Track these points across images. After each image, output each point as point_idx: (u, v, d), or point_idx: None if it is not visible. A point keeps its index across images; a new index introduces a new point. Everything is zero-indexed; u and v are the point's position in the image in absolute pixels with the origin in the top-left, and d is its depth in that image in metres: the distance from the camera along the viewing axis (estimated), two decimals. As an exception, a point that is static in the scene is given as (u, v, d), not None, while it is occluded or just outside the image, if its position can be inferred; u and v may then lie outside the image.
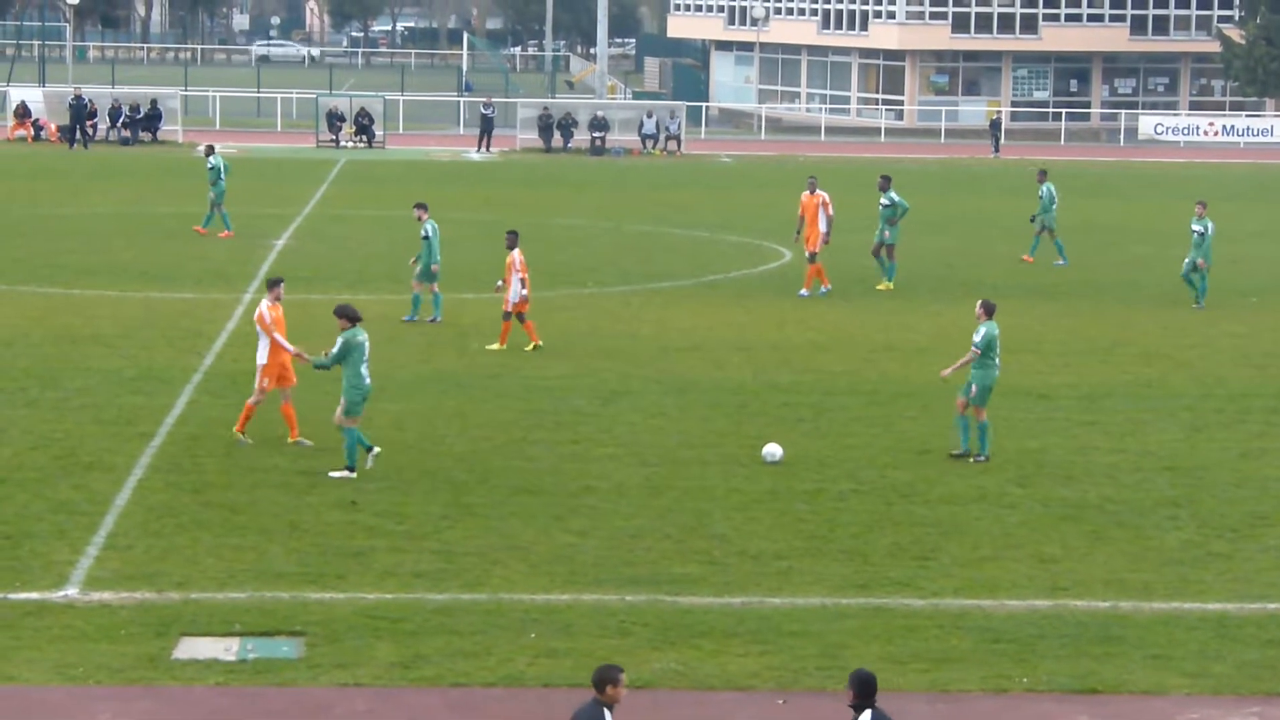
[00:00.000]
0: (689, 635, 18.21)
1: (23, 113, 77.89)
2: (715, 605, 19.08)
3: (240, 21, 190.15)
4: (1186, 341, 35.07)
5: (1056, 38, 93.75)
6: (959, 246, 48.76)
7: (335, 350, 23.81)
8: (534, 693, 16.84)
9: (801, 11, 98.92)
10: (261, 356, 25.13)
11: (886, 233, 40.80)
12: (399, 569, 20.03)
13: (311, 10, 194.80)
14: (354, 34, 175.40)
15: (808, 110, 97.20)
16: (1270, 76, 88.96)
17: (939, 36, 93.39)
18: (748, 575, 20.11)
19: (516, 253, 32.04)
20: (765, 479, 24.05)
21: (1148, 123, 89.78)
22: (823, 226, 39.30)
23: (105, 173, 64.79)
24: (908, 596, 19.53)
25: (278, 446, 24.94)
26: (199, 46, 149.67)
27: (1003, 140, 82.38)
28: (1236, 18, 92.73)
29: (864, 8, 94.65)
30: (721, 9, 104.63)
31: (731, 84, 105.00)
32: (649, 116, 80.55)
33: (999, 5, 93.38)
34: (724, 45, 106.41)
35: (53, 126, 77.25)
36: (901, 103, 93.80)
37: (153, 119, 77.82)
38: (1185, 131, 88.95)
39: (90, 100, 76.51)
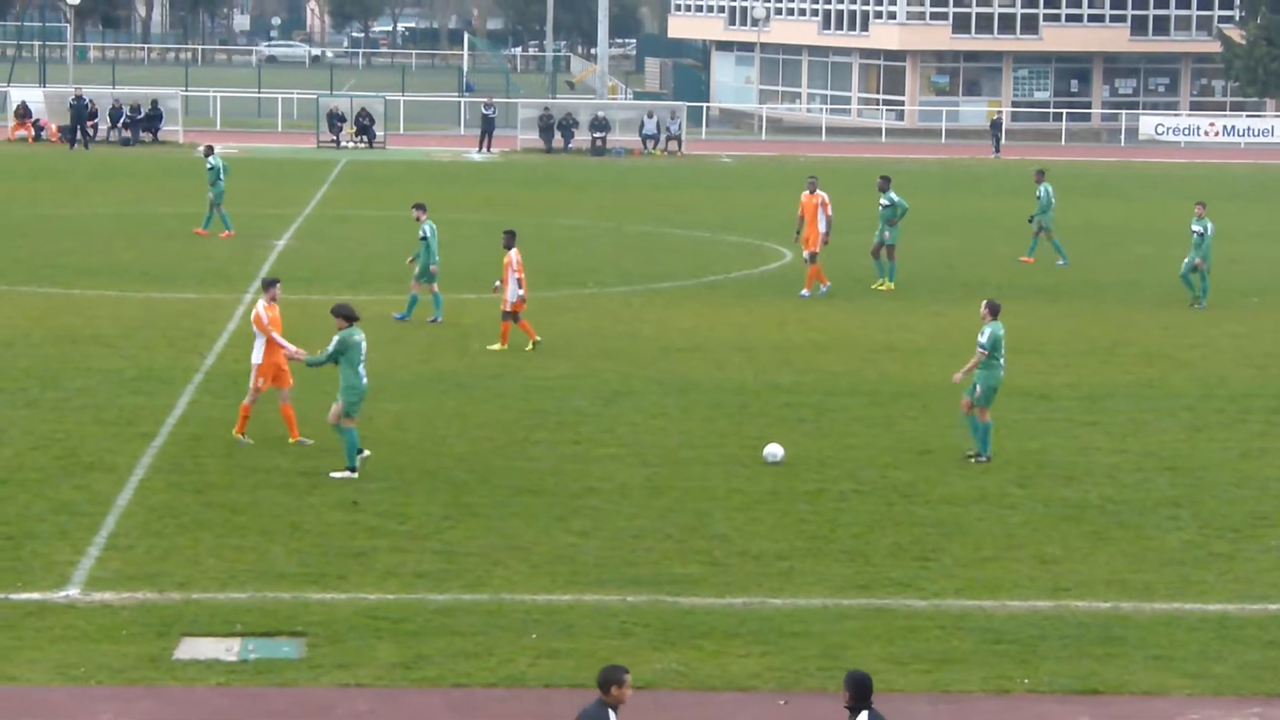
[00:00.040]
0: (690, 636, 18.21)
1: (23, 113, 77.91)
2: (716, 606, 19.09)
3: (241, 22, 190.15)
4: (1187, 342, 35.07)
5: (1057, 38, 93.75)
6: (960, 247, 48.76)
7: (330, 348, 23.82)
8: (535, 693, 16.84)
9: (802, 12, 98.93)
10: (256, 356, 25.16)
11: (886, 233, 40.80)
12: (400, 569, 20.03)
13: (312, 11, 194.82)
14: (355, 34, 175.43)
15: (808, 111, 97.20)
16: (1271, 77, 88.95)
17: (940, 37, 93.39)
18: (749, 576, 20.11)
19: (514, 252, 32.05)
20: (766, 479, 24.05)
21: (1148, 123, 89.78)
22: (822, 227, 39.32)
23: (106, 173, 64.80)
24: (909, 597, 19.52)
25: (279, 447, 24.94)
26: (200, 47, 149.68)
27: (1003, 140, 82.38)
28: (1237, 18, 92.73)
29: (864, 8, 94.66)
30: (722, 9, 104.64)
31: (732, 84, 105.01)
32: (650, 117, 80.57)
33: (999, 5, 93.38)
34: (725, 45, 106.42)
35: (53, 127, 77.27)
36: (902, 103, 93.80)
37: (153, 119, 77.83)
38: (1186, 132, 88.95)
39: (91, 100, 76.53)
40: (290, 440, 25.12)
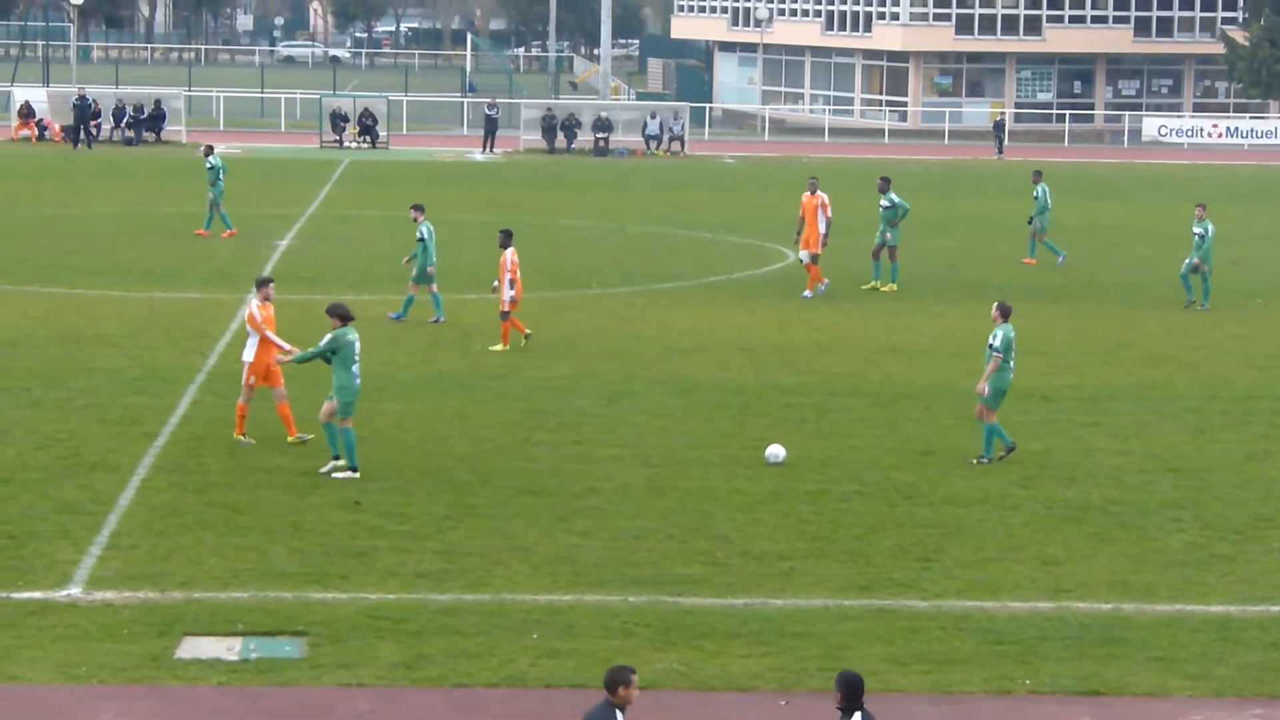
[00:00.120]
0: (691, 636, 18.21)
1: (27, 113, 77.96)
2: (718, 606, 19.09)
3: (244, 22, 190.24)
4: (1190, 343, 35.05)
5: (1060, 39, 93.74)
6: (962, 248, 48.76)
7: (321, 344, 23.83)
8: (536, 693, 16.85)
9: (805, 13, 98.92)
10: (248, 355, 25.20)
11: (888, 234, 40.80)
12: (402, 569, 20.04)
13: (315, 11, 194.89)
14: (358, 34, 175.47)
15: (811, 111, 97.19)
16: (1274, 78, 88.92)
17: (943, 38, 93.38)
18: (750, 576, 20.11)
19: (509, 252, 32.08)
20: (768, 480, 24.05)
21: (1151, 124, 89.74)
22: (821, 228, 39.33)
23: (109, 173, 64.83)
24: (910, 598, 19.52)
25: (280, 447, 24.94)
26: (203, 47, 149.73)
27: (1006, 142, 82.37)
28: (1240, 19, 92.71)
29: (868, 9, 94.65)
30: (725, 10, 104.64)
31: (735, 85, 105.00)
32: (652, 117, 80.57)
33: (1003, 6, 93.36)
34: (728, 46, 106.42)
35: (57, 127, 77.32)
36: (905, 104, 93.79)
37: (156, 119, 77.87)
38: (1189, 133, 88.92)
39: (94, 100, 76.58)
40: (289, 439, 25.14)
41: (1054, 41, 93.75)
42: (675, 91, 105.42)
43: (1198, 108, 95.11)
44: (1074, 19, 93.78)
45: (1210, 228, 38.93)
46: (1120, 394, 30.12)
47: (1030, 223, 45.81)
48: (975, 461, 25.12)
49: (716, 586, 19.73)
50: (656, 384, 29.96)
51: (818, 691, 16.88)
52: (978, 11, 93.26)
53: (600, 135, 78.56)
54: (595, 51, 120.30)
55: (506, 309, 32.16)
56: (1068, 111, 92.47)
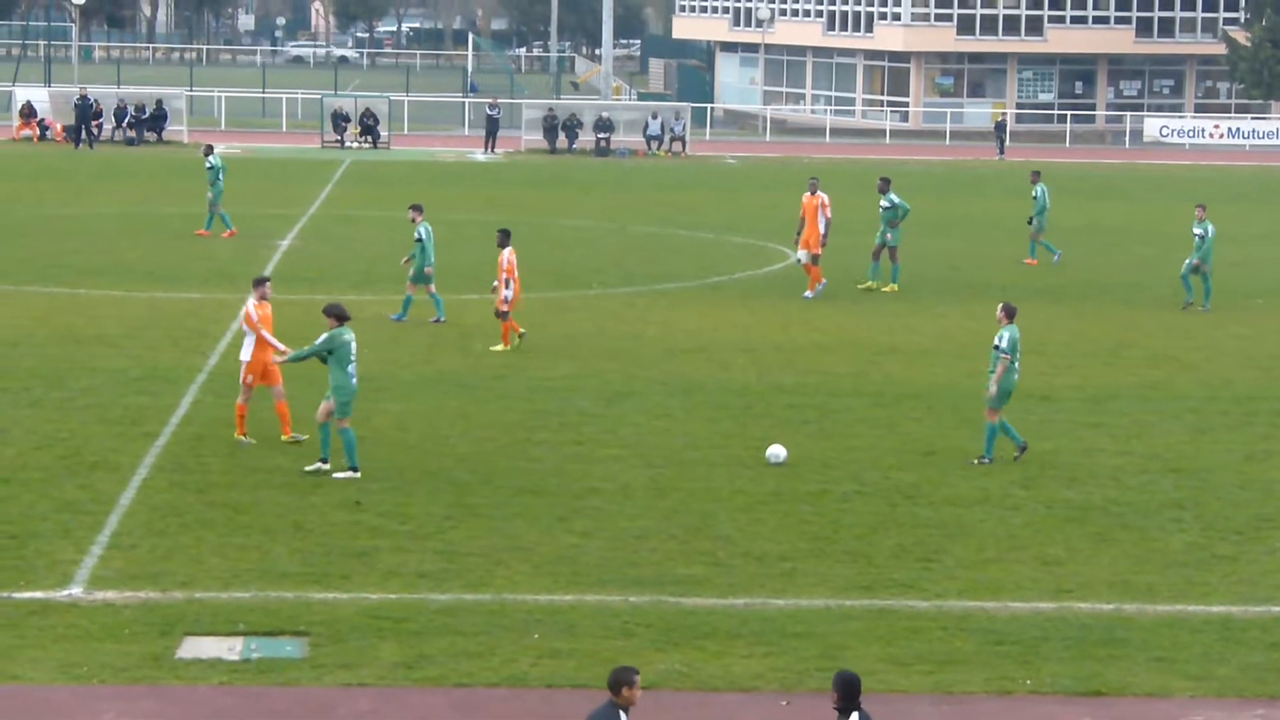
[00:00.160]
0: (692, 636, 18.21)
1: (28, 113, 77.97)
2: (719, 606, 19.08)
3: (245, 22, 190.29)
4: (1192, 344, 35.05)
5: (1062, 40, 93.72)
6: (963, 248, 48.75)
7: (317, 343, 23.84)
8: (537, 693, 16.85)
9: (807, 13, 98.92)
10: (245, 354, 25.25)
11: (888, 235, 40.79)
12: (403, 569, 20.04)
13: (317, 11, 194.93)
14: (359, 34, 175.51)
15: (813, 112, 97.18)
16: (1276, 79, 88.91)
17: (944, 38, 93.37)
18: (751, 576, 20.11)
19: (507, 251, 32.09)
20: (769, 480, 24.04)
21: (1153, 125, 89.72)
22: (820, 228, 39.34)
23: (110, 173, 64.84)
24: (911, 598, 19.52)
25: (281, 447, 24.94)
26: (204, 47, 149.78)
27: (1008, 142, 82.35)
28: (1242, 20, 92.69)
29: (869, 9, 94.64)
30: (727, 10, 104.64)
31: (736, 85, 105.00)
32: (654, 118, 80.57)
33: (1004, 7, 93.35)
34: (729, 46, 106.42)
35: (58, 126, 77.33)
36: (906, 104, 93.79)
37: (158, 119, 77.88)
38: (1190, 134, 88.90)
39: (95, 100, 76.57)
40: (283, 437, 25.16)
41: (1055, 42, 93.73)
42: (677, 92, 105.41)
43: (1199, 108, 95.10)
44: (1075, 19, 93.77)
45: (1210, 228, 38.92)
46: (1121, 394, 30.12)
47: (1030, 223, 45.81)
48: (976, 462, 25.10)
49: (718, 587, 19.73)
50: (658, 384, 29.95)
51: (819, 692, 16.87)
52: (979, 12, 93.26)
53: (602, 135, 78.56)
54: (597, 52, 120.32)
55: (505, 309, 32.17)
56: (1069, 112, 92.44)
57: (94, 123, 75.76)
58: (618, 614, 18.76)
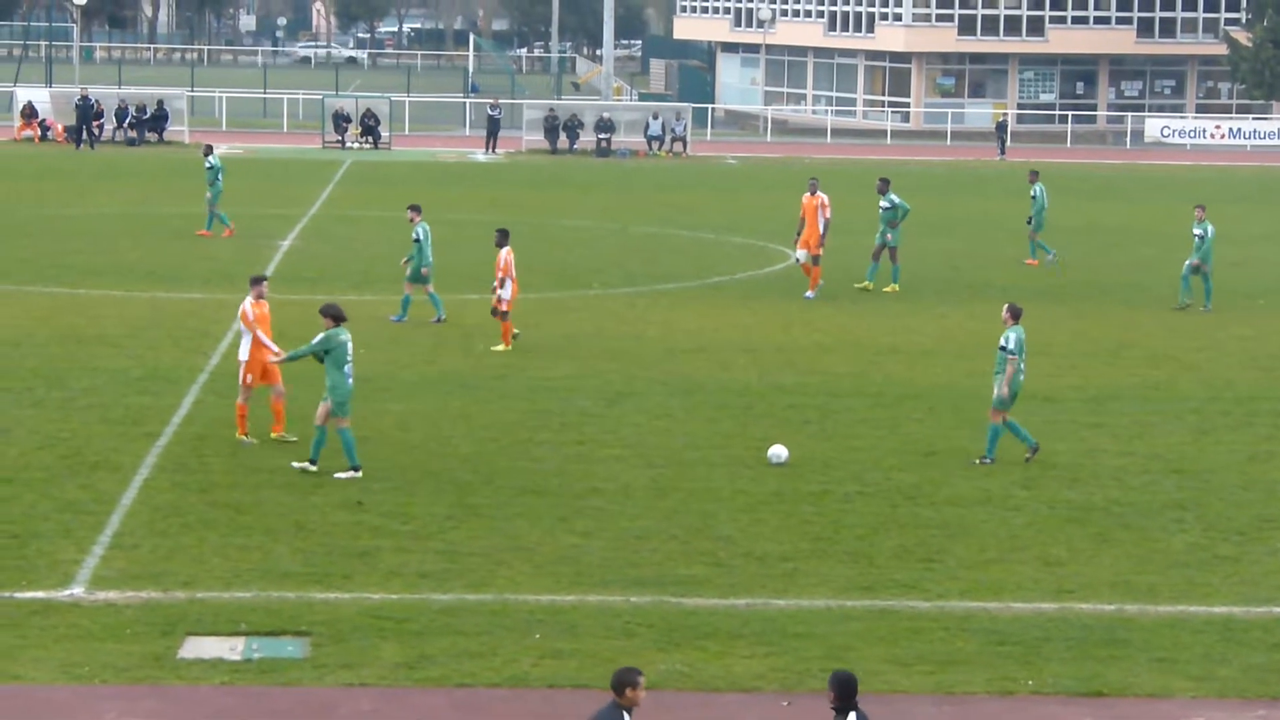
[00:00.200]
0: (694, 637, 18.20)
1: (29, 113, 77.98)
2: (720, 607, 19.08)
3: (247, 22, 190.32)
4: (1193, 344, 35.04)
5: (1063, 40, 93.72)
6: (964, 249, 48.75)
7: (313, 343, 23.85)
8: (539, 693, 16.84)
9: (808, 13, 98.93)
10: (243, 353, 25.29)
11: (888, 235, 40.78)
12: (404, 569, 20.04)
13: (318, 11, 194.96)
14: (360, 35, 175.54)
15: (813, 112, 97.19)
16: (1277, 79, 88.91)
17: (945, 39, 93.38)
18: (753, 577, 20.10)
19: (505, 251, 32.11)
20: (771, 481, 24.04)
21: (1154, 125, 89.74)
22: (820, 229, 39.35)
23: (111, 173, 64.85)
24: (913, 599, 19.51)
25: (283, 447, 24.94)
26: (205, 47, 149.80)
27: (1009, 143, 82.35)
28: (1243, 20, 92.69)
29: (870, 10, 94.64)
30: (728, 11, 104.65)
31: (737, 86, 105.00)
32: (655, 118, 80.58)
33: (1005, 7, 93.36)
34: (730, 47, 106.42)
35: (59, 127, 77.34)
36: (908, 105, 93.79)
37: (159, 119, 77.90)
38: (1192, 134, 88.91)
39: (97, 101, 76.58)
40: (272, 434, 25.18)
41: (1057, 42, 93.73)
42: (677, 92, 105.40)
43: (1200, 109, 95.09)
44: (1077, 20, 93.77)
45: (1210, 229, 38.92)
46: (1123, 395, 30.11)
47: (1029, 223, 45.80)
48: (978, 462, 25.10)
49: (719, 587, 19.73)
50: (659, 384, 29.95)
51: (820, 692, 16.85)
52: (980, 12, 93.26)
53: (602, 136, 78.57)
54: (598, 52, 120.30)
55: (505, 308, 32.17)
56: (1070, 112, 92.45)
57: (95, 123, 75.77)
58: (619, 614, 18.76)
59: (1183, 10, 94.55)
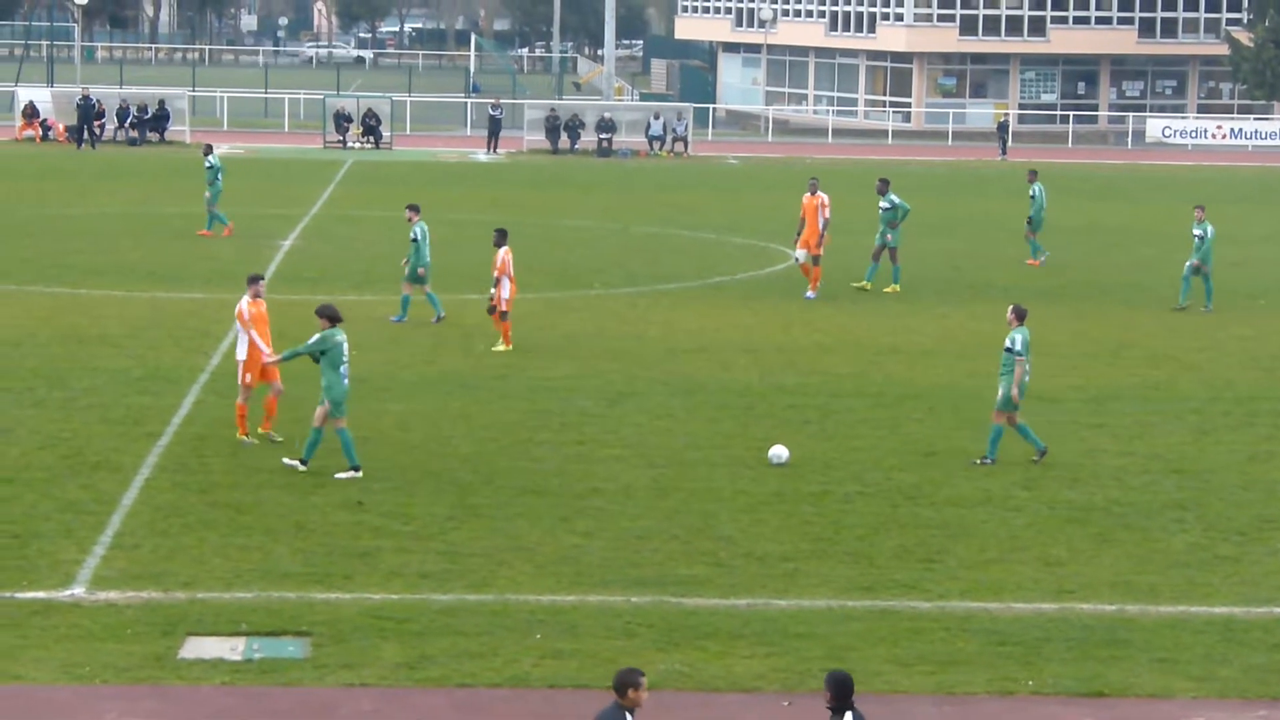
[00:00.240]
0: (694, 637, 18.21)
1: (31, 113, 77.99)
2: (721, 607, 19.09)
3: (248, 22, 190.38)
4: (1194, 344, 35.04)
5: (1064, 40, 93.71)
6: (966, 249, 48.75)
7: (310, 343, 23.87)
8: (539, 693, 16.85)
9: (809, 13, 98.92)
10: (241, 353, 25.32)
11: (888, 235, 40.78)
12: (405, 569, 20.04)
13: (319, 11, 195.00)
14: (362, 35, 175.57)
15: (815, 112, 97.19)
16: (1278, 80, 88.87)
17: (947, 39, 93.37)
18: (753, 577, 20.11)
19: (503, 251, 32.12)
20: (771, 481, 24.05)
21: (1155, 125, 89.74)
22: (819, 228, 39.35)
23: (113, 173, 64.86)
24: (914, 599, 19.52)
25: (284, 447, 24.94)
26: (207, 47, 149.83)
27: (1010, 143, 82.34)
28: (1245, 20, 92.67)
29: (872, 10, 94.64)
30: (729, 11, 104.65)
31: (739, 86, 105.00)
32: (656, 118, 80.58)
33: (1007, 7, 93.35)
34: (731, 47, 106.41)
35: (60, 127, 77.34)
36: (909, 105, 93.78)
37: (160, 119, 77.91)
38: (1193, 134, 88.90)
39: (98, 100, 76.59)
40: (259, 430, 25.20)
41: (1058, 42, 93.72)
42: (679, 92, 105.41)
43: (1202, 109, 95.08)
44: (1078, 20, 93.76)
45: (1210, 229, 38.91)
46: (1123, 395, 30.11)
47: (1028, 223, 45.80)
48: (979, 462, 25.10)
49: (719, 587, 19.73)
50: (659, 384, 29.96)
51: (821, 692, 16.86)
52: (982, 12, 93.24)
53: (604, 136, 78.57)
54: (599, 52, 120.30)
55: (504, 308, 32.18)
56: (1072, 112, 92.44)
57: (96, 123, 75.78)
58: (620, 614, 18.77)
59: (1184, 10, 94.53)
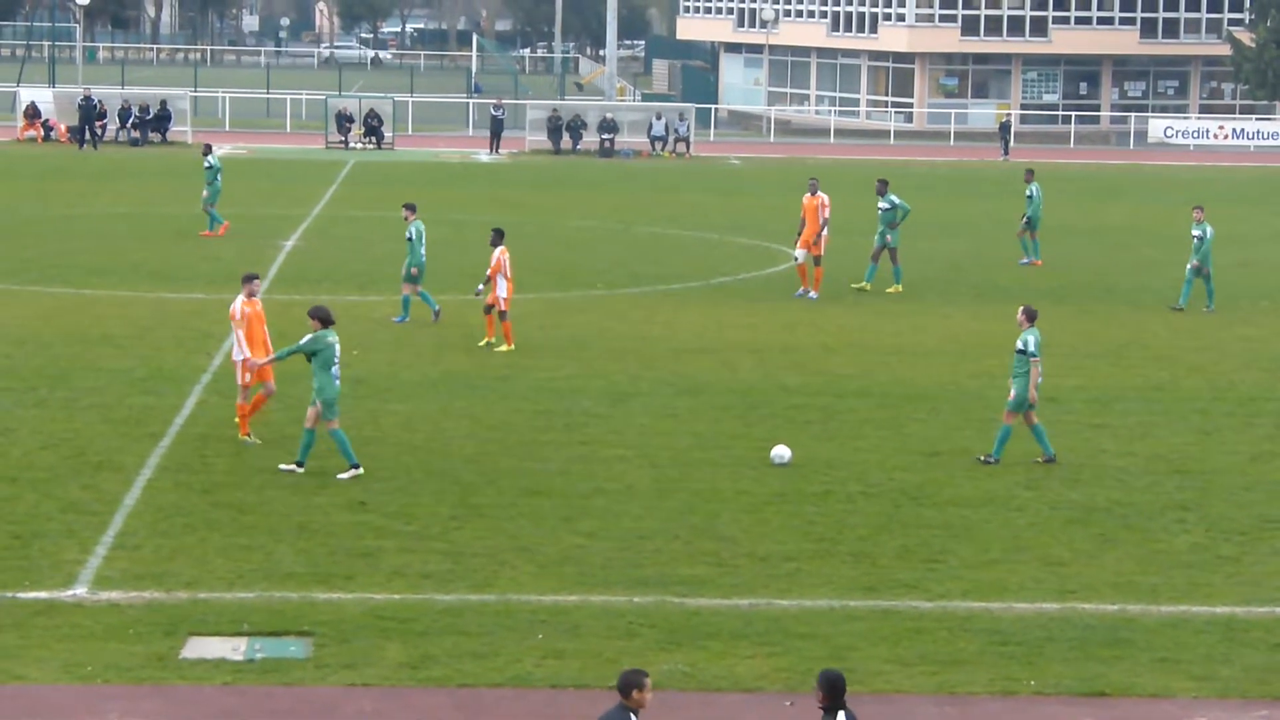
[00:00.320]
0: (697, 637, 18.21)
1: (33, 113, 78.02)
2: (723, 607, 19.09)
3: (250, 22, 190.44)
4: (1197, 344, 35.04)
5: (1066, 40, 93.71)
6: (968, 249, 48.75)
7: (301, 343, 23.90)
8: (541, 694, 16.85)
9: (811, 14, 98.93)
10: (237, 353, 25.38)
11: (888, 236, 40.77)
12: (407, 569, 20.05)
13: (321, 12, 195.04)
14: (363, 35, 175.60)
15: (817, 113, 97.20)
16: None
17: (948, 39, 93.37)
18: (756, 577, 20.11)
19: (499, 250, 32.14)
20: (774, 481, 24.05)
21: (1157, 126, 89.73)
22: (820, 228, 39.35)
23: (115, 173, 64.88)
24: (916, 599, 19.52)
25: (286, 448, 24.93)
26: (208, 47, 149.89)
27: (1012, 143, 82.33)
28: (1247, 21, 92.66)
29: (873, 10, 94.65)
30: (731, 11, 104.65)
31: (741, 86, 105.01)
32: (658, 118, 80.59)
33: (1008, 8, 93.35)
34: (733, 47, 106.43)
35: (62, 127, 77.36)
36: (911, 105, 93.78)
37: (162, 120, 77.93)
38: (1195, 135, 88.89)
39: (100, 101, 76.62)
40: (237, 420, 25.26)
41: (1060, 43, 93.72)
42: (681, 92, 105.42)
43: (1204, 109, 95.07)
44: (1080, 20, 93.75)
45: (1209, 230, 38.90)
46: (1126, 395, 30.11)
47: (1026, 223, 45.79)
48: (983, 459, 25.10)
49: (722, 587, 19.74)
50: (663, 385, 29.96)
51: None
52: (983, 13, 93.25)
53: (606, 136, 78.58)
54: (601, 52, 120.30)
55: (504, 308, 32.19)
56: (1074, 113, 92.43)
57: (98, 123, 75.81)
58: (622, 614, 18.77)
59: (1186, 10, 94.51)
